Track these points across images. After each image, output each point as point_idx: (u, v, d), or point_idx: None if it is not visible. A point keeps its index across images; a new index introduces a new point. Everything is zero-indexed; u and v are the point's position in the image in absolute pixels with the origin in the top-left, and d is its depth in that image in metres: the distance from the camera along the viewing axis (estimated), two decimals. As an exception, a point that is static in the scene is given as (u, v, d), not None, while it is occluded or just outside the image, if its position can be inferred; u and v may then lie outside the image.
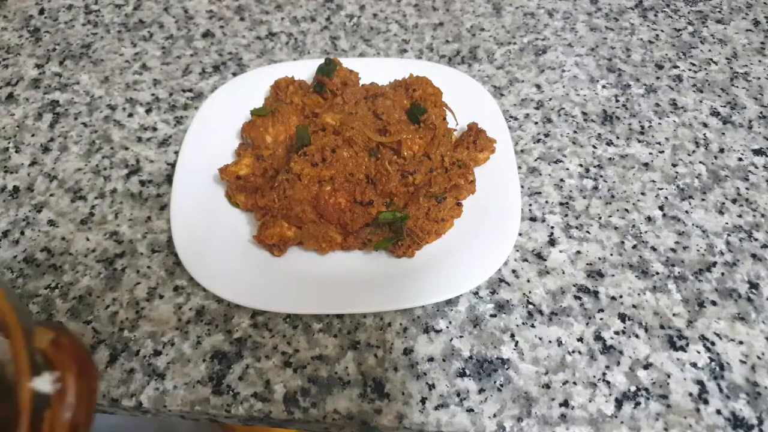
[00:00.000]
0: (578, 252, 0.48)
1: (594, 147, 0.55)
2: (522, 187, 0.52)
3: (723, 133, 0.56)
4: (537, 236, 0.49)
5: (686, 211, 0.51)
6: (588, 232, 0.49)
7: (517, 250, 0.48)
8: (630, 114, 0.58)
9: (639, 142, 0.56)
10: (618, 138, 0.56)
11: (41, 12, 0.68)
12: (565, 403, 0.40)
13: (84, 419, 0.20)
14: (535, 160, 0.54)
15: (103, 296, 0.46)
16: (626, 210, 0.51)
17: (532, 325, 0.44)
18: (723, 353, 0.43)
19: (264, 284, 0.45)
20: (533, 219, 0.50)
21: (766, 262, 0.47)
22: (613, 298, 0.46)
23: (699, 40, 0.65)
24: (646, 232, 0.49)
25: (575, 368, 0.42)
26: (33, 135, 0.56)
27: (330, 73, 0.54)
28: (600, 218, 0.50)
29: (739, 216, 0.50)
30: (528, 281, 0.46)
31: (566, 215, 0.50)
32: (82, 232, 0.49)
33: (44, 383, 0.19)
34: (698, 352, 0.43)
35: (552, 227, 0.49)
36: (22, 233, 0.49)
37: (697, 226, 0.50)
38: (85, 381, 0.20)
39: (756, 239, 0.49)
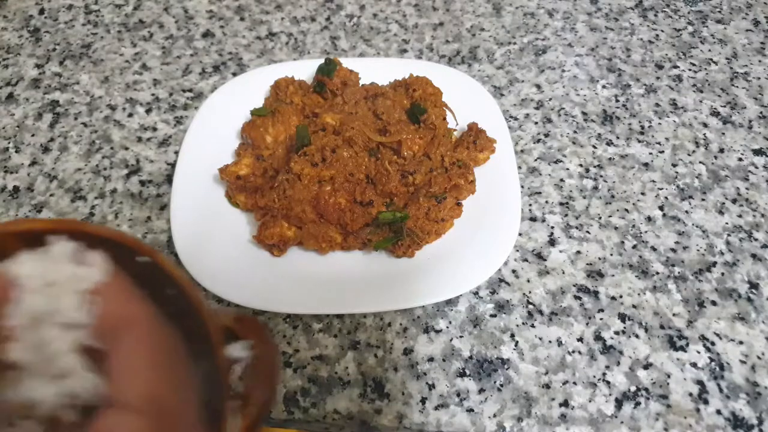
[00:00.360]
0: (578, 252, 0.48)
1: (594, 147, 0.55)
2: (522, 187, 0.52)
3: (723, 133, 0.56)
4: (537, 236, 0.49)
5: (686, 211, 0.51)
6: (588, 232, 0.49)
7: (517, 250, 0.48)
8: (630, 114, 0.58)
9: (639, 142, 0.56)
10: (618, 138, 0.56)
11: (41, 12, 0.68)
12: (565, 403, 0.40)
13: (275, 380, 0.23)
14: (535, 160, 0.54)
15: (103, 296, 0.46)
16: (626, 210, 0.51)
17: (532, 325, 0.44)
18: (723, 353, 0.43)
19: (264, 284, 0.45)
20: (533, 219, 0.50)
21: (766, 262, 0.47)
22: (613, 298, 0.46)
23: (699, 40, 0.65)
24: (646, 232, 0.49)
25: (575, 368, 0.42)
26: (33, 135, 0.56)
27: (330, 73, 0.54)
28: (600, 218, 0.50)
29: (739, 216, 0.50)
30: (528, 281, 0.46)
31: (566, 215, 0.50)
32: (82, 232, 0.49)
33: (237, 350, 0.22)
34: (698, 352, 0.43)
35: (552, 227, 0.49)
36: (22, 233, 0.49)
37: (697, 226, 0.50)
38: (269, 346, 0.23)
39: (756, 239, 0.49)
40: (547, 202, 0.51)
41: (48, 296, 0.20)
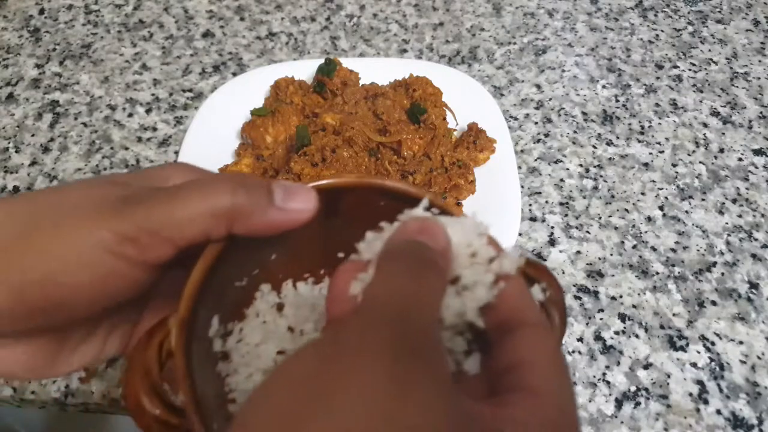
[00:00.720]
0: (578, 252, 0.48)
1: (594, 147, 0.55)
2: (522, 187, 0.52)
3: (723, 133, 0.56)
4: (537, 236, 0.49)
5: (686, 211, 0.51)
6: (588, 232, 0.49)
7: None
8: (630, 114, 0.58)
9: (639, 142, 0.56)
10: (618, 138, 0.56)
11: (41, 12, 0.68)
12: (565, 403, 0.40)
13: (566, 320, 0.24)
14: (535, 160, 0.54)
15: (103, 296, 0.46)
16: (626, 210, 0.51)
17: (532, 325, 0.44)
18: (723, 353, 0.43)
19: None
20: (533, 219, 0.50)
21: (766, 262, 0.47)
22: (613, 298, 0.46)
23: (699, 40, 0.65)
24: (646, 232, 0.49)
25: (575, 368, 0.42)
26: (33, 135, 0.56)
27: (330, 73, 0.54)
28: (600, 218, 0.50)
29: (739, 216, 0.50)
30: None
31: (566, 215, 0.50)
32: (82, 232, 0.49)
33: (537, 292, 0.23)
34: (698, 352, 0.43)
35: (552, 227, 0.49)
36: (22, 233, 0.49)
37: (697, 226, 0.50)
38: (559, 288, 0.24)
39: (756, 239, 0.49)
40: (547, 202, 0.51)
41: (469, 267, 0.21)
